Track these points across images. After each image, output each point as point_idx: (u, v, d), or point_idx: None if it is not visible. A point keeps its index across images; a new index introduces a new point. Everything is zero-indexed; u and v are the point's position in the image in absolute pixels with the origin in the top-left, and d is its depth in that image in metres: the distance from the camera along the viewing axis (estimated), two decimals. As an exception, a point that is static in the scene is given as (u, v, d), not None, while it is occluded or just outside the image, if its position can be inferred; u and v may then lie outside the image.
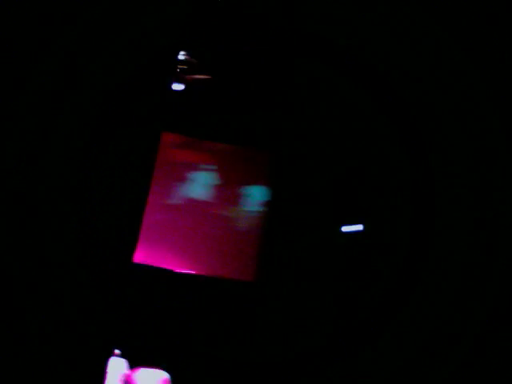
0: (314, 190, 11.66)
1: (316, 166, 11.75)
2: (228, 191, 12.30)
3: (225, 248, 11.89)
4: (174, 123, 11.81)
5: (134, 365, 8.48)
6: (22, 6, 8.24)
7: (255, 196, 12.29)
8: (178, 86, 9.40)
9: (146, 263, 11.40)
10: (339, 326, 10.53)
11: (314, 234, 11.42)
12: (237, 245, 11.92)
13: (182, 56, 9.32)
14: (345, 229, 11.15)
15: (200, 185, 12.25)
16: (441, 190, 9.30)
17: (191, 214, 12.08)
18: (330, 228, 11.25)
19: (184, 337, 11.05)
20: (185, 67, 9.40)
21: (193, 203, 12.14)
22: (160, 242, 11.70)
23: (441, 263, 8.98)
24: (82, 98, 9.95)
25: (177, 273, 11.48)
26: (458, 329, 7.89)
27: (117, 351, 9.46)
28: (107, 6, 8.62)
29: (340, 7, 9.00)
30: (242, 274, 11.69)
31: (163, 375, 8.80)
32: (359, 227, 10.67)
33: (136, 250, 11.48)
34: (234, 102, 11.48)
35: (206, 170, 12.33)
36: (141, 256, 11.49)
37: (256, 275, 11.66)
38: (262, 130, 12.17)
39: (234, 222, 12.15)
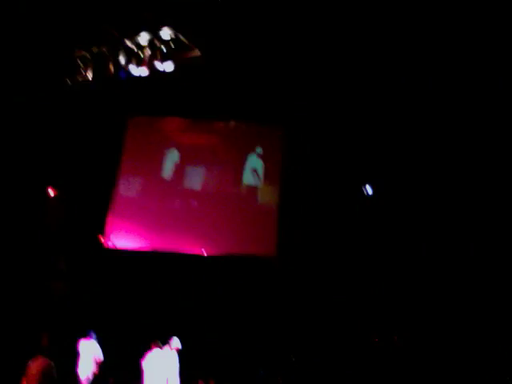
0: (326, 160, 11.38)
1: (327, 137, 11.47)
2: (240, 169, 12.18)
3: (243, 226, 11.78)
4: (176, 106, 11.83)
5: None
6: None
7: (269, 171, 12.10)
8: (167, 67, 9.23)
9: (164, 250, 11.45)
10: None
11: (330, 202, 11.13)
12: (254, 222, 11.78)
13: (169, 34, 9.17)
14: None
15: (208, 166, 12.20)
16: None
17: (205, 197, 12.05)
18: (346, 195, 10.95)
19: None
20: (173, 46, 9.25)
21: (206, 185, 12.12)
22: (176, 228, 11.69)
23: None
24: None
25: (198, 256, 11.46)
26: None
27: (92, 334, 9.42)
28: None
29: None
30: (261, 249, 11.54)
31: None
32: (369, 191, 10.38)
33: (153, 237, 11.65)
34: (236, 79, 11.31)
35: (213, 150, 12.28)
36: (158, 243, 11.61)
37: (277, 250, 11.48)
38: (273, 105, 11.95)
39: (250, 199, 12.02)
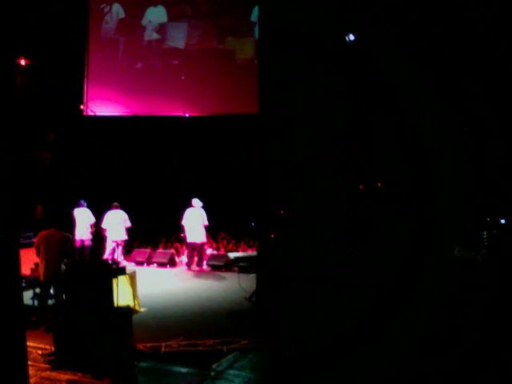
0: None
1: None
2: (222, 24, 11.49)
3: (225, 84, 11.43)
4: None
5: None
6: None
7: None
8: None
9: (145, 113, 11.22)
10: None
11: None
12: (236, 79, 11.40)
13: None
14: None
15: (190, 22, 11.47)
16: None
17: (186, 56, 11.52)
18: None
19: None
20: None
21: (188, 43, 11.51)
22: (156, 91, 11.35)
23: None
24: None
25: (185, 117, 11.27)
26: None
27: (83, 202, 9.80)
28: None
29: None
30: (245, 107, 11.30)
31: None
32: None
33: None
34: None
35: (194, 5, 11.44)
36: (138, 107, 11.33)
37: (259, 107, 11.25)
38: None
39: (231, 55, 11.52)
